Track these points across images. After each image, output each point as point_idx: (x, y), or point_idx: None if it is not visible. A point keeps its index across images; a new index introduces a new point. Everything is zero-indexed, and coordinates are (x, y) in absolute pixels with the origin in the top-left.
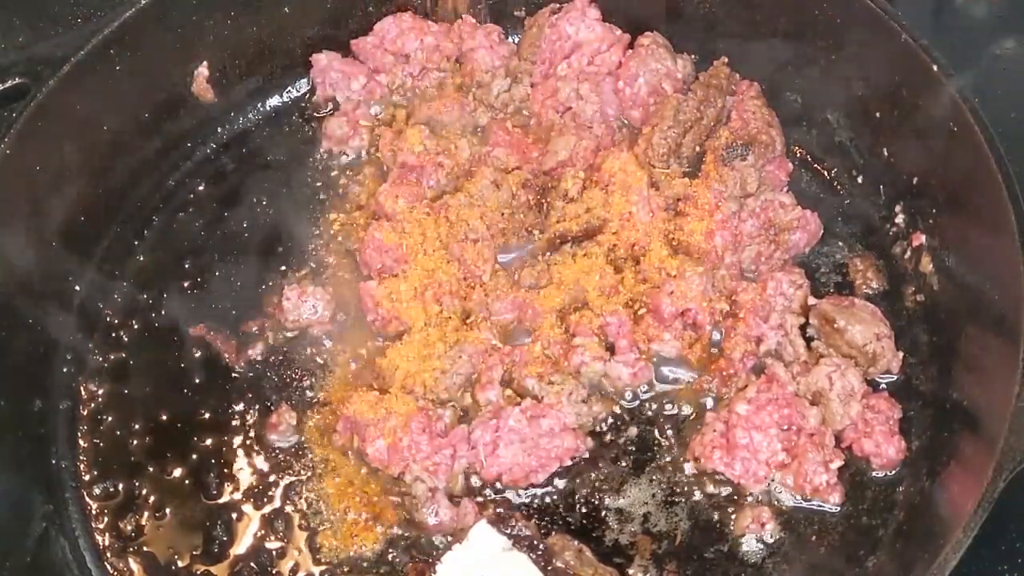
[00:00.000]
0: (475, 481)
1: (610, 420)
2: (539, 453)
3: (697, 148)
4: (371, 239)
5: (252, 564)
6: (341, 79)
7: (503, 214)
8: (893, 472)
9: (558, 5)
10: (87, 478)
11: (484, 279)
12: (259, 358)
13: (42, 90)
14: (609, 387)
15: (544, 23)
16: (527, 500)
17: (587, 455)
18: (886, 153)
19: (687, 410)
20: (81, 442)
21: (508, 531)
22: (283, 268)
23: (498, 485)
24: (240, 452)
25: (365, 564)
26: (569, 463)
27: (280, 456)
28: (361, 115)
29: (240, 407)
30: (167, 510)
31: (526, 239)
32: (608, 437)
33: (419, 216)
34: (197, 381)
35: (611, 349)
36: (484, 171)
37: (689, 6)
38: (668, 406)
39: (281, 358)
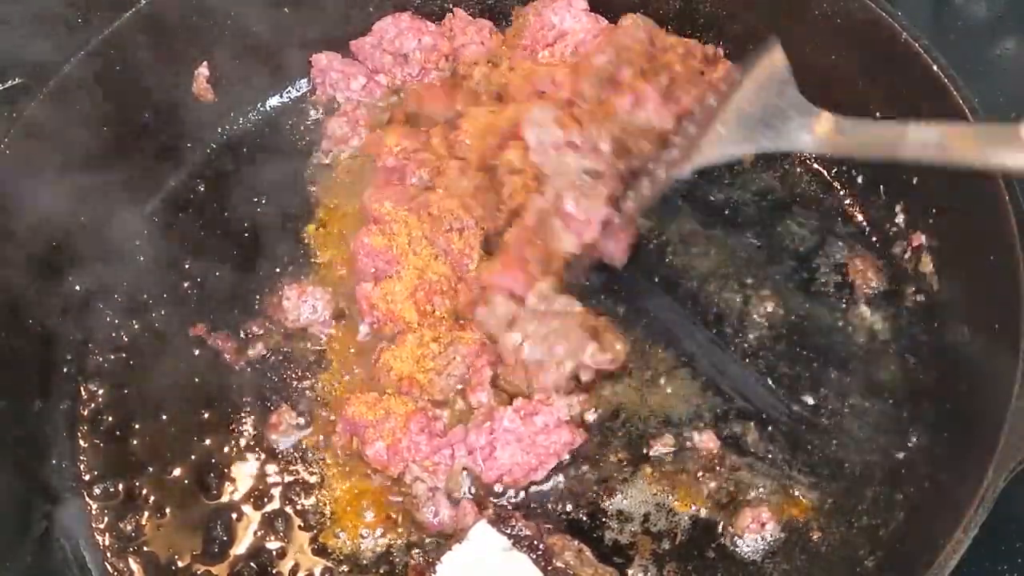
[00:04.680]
0: (476, 483)
1: (608, 420)
2: (537, 451)
3: None
4: (360, 245)
5: (252, 564)
6: (341, 79)
7: (475, 200)
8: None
9: None
10: (87, 478)
11: (471, 267)
12: (259, 358)
13: (42, 90)
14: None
15: (531, 12)
16: (527, 499)
17: (587, 452)
18: None
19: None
20: (81, 442)
21: (508, 531)
22: (283, 268)
23: (498, 487)
24: (240, 452)
25: (365, 564)
26: (568, 458)
27: (280, 456)
28: (362, 115)
29: (240, 407)
30: (167, 510)
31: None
32: (607, 437)
33: (403, 215)
34: (197, 381)
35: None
36: (452, 162)
37: (688, 6)
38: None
39: (281, 358)
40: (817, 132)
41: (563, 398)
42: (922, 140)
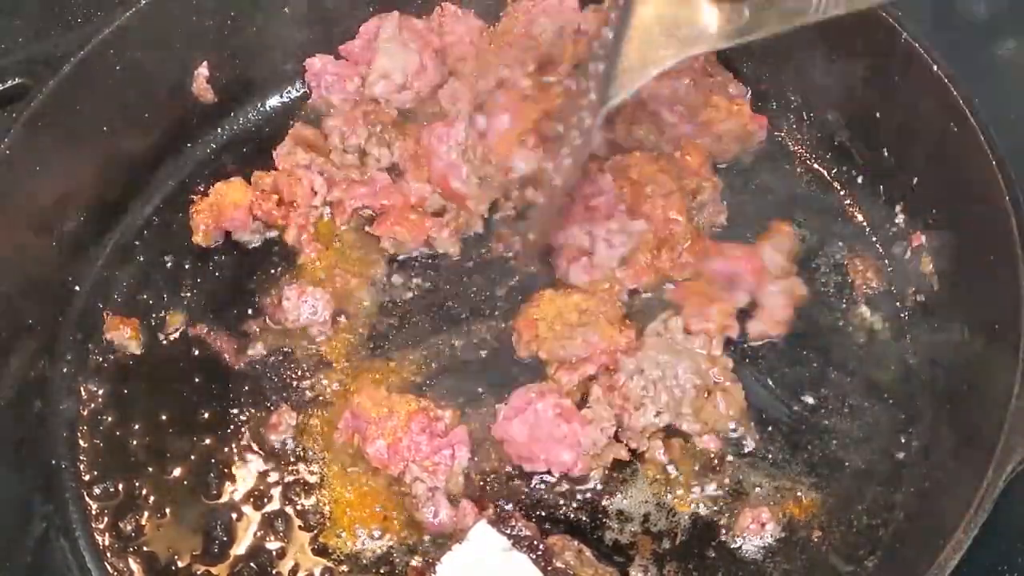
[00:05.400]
0: (475, 476)
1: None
2: (547, 447)
3: None
4: None
5: (252, 564)
6: (336, 82)
7: None
8: None
9: None
10: (87, 478)
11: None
12: (259, 358)
13: (42, 90)
14: None
15: (521, 11)
16: (527, 500)
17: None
18: (886, 153)
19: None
20: (81, 442)
21: (508, 531)
22: (282, 268)
23: (498, 487)
24: (240, 452)
25: (365, 564)
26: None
27: (280, 456)
28: (359, 113)
29: (240, 407)
30: (167, 510)
31: None
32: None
33: None
34: (197, 381)
35: None
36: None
37: None
38: None
39: (281, 358)
40: (720, 23)
41: (607, 409)
42: None
